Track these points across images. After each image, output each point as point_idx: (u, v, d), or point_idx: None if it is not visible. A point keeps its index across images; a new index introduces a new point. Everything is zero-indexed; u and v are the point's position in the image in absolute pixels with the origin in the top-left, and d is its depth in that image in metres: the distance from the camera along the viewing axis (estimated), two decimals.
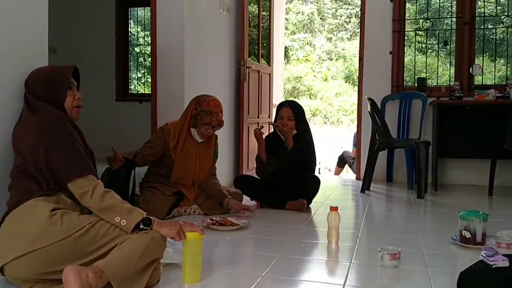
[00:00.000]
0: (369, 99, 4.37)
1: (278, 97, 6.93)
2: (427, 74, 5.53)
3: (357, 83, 5.39)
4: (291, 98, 14.17)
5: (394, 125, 4.91)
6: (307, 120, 3.79)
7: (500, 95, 4.55)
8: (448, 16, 5.26)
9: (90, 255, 1.75)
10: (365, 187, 4.43)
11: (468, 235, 2.51)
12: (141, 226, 1.80)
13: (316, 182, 3.61)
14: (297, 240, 2.69)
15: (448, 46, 5.29)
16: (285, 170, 3.53)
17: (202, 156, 3.28)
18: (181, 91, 3.71)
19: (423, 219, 3.53)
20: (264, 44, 5.56)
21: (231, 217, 3.02)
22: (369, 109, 4.38)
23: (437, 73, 5.44)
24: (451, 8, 5.17)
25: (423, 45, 5.95)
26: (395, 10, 5.09)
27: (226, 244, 2.60)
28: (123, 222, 1.78)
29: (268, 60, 5.65)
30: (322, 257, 2.50)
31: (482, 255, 1.80)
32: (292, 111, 3.56)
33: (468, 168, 4.93)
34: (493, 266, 1.70)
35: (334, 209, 2.61)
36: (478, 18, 5.08)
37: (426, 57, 5.55)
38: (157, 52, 3.71)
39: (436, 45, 5.50)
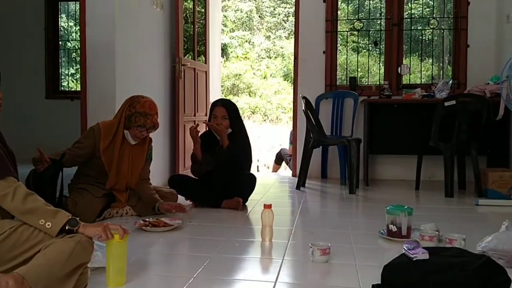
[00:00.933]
0: (304, 97, 4.45)
1: (215, 95, 6.89)
2: (360, 73, 5.71)
3: None
4: (229, 97, 14.24)
5: (327, 123, 5.03)
6: (242, 118, 3.80)
7: (426, 94, 4.78)
8: (379, 17, 5.44)
9: (11, 261, 1.69)
10: (301, 184, 4.51)
11: (394, 229, 2.62)
12: (67, 228, 1.74)
13: (252, 180, 3.64)
14: (232, 239, 2.69)
15: (379, 47, 5.48)
16: (220, 169, 3.53)
17: (135, 159, 3.20)
18: (113, 89, 3.62)
19: (354, 214, 3.65)
20: (201, 41, 5.52)
21: (164, 218, 2.98)
22: (303, 108, 4.46)
23: (369, 73, 5.62)
24: (381, 10, 5.36)
25: (357, 45, 6.13)
26: (328, 11, 5.20)
27: (159, 246, 2.57)
28: (48, 225, 1.72)
29: (205, 57, 5.61)
30: (255, 255, 2.53)
31: (404, 248, 1.88)
32: (226, 110, 3.55)
33: (397, 163, 5.13)
34: (414, 259, 1.78)
35: (267, 207, 2.63)
36: (408, 20, 5.30)
37: (358, 57, 5.72)
38: (87, 48, 3.59)
39: (368, 45, 5.68)
